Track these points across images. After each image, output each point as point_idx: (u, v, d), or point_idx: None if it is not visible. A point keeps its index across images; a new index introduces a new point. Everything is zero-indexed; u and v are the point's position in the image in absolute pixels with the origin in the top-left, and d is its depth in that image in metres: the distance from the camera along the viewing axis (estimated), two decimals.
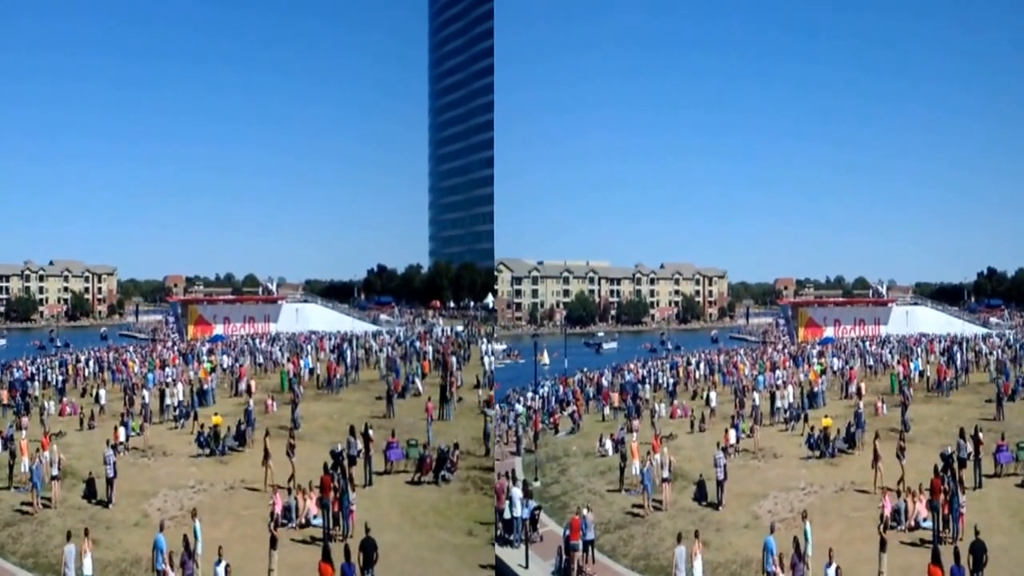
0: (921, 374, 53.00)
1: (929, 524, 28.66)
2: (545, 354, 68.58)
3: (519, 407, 48.54)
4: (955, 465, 31.82)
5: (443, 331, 72.39)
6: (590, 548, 28.93)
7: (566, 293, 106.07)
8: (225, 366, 56.92)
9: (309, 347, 63.56)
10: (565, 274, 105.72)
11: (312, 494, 30.89)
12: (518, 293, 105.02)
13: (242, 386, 49.88)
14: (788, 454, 38.85)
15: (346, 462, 34.07)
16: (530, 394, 53.09)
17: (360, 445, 35.70)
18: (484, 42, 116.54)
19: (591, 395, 53.76)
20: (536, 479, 37.35)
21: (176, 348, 65.99)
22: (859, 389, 48.19)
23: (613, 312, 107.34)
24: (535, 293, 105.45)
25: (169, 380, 49.84)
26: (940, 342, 66.86)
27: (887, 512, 28.27)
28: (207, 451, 37.85)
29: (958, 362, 55.42)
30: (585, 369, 62.79)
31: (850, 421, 39.90)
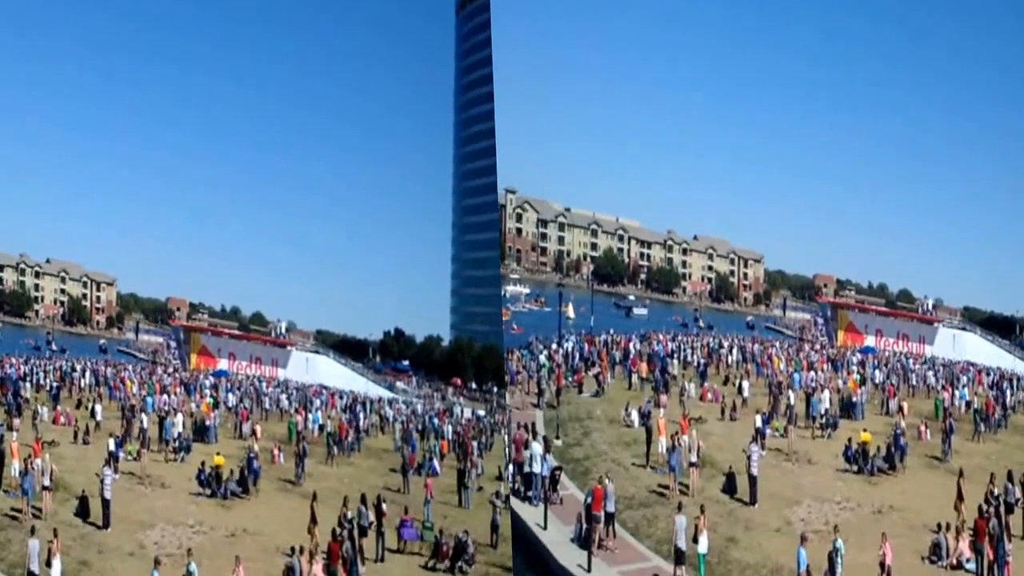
0: (968, 404, 51.67)
1: (972, 566, 28.87)
2: (571, 307, 68.67)
3: (542, 358, 48.24)
4: (1002, 509, 31.80)
5: (463, 412, 72.33)
6: (612, 521, 28.99)
7: (594, 247, 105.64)
8: (229, 405, 57.17)
9: (319, 401, 63.73)
10: (593, 226, 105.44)
11: (318, 559, 30.90)
12: (543, 236, 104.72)
13: (246, 429, 50.13)
14: (823, 462, 39.09)
15: (356, 532, 34.12)
16: (554, 346, 52.56)
17: (372, 517, 35.71)
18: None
19: (617, 359, 53.65)
20: (557, 437, 37.30)
21: (178, 375, 66.35)
22: (900, 407, 47.97)
23: (643, 276, 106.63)
24: (561, 240, 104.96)
25: (169, 408, 50.12)
26: (989, 374, 65.33)
27: (888, 560, 28.13)
28: (208, 491, 37.97)
29: (1008, 399, 54.17)
30: (612, 331, 62.75)
31: (889, 441, 40.06)
